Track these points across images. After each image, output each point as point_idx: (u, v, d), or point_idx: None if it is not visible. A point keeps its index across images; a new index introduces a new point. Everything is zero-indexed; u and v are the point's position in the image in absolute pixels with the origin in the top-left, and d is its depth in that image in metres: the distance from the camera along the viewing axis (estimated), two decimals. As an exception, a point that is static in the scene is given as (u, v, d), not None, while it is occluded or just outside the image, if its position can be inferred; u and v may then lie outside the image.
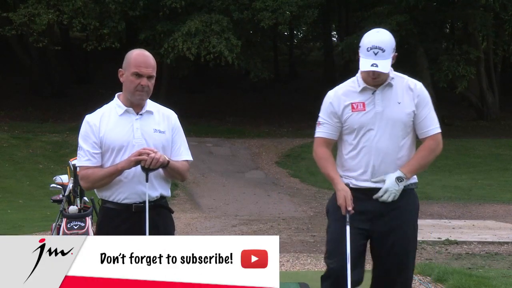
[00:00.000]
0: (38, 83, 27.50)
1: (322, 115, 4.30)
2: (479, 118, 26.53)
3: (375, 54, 4.06)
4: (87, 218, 6.88)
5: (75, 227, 6.45)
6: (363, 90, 4.20)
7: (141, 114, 4.01)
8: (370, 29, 4.26)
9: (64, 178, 7.44)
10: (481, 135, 23.69)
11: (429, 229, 10.53)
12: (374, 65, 4.06)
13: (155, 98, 4.16)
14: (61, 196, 7.20)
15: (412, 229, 4.26)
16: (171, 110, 4.16)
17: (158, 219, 3.97)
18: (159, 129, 4.01)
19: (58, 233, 6.35)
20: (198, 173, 17.70)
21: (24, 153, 18.70)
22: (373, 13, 23.41)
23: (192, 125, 23.59)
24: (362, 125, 4.17)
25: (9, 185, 15.93)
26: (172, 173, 4.02)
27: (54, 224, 6.85)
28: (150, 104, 4.07)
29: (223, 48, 21.07)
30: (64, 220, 6.58)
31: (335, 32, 37.01)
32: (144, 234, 3.85)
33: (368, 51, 4.08)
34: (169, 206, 4.14)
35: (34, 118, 23.73)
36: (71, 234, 6.03)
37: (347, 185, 4.20)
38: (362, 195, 4.16)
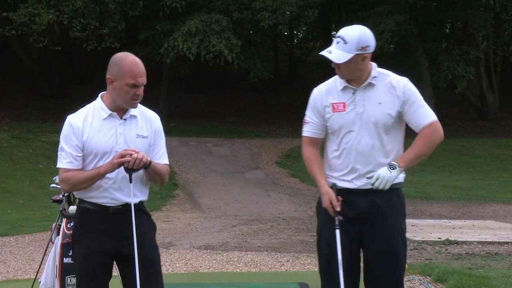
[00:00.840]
0: (38, 83, 27.53)
1: (308, 113, 4.22)
2: (479, 118, 26.55)
3: (337, 43, 4.01)
4: (87, 218, 6.85)
5: (75, 227, 6.45)
6: (344, 89, 4.11)
7: (124, 119, 3.97)
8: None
9: (64, 178, 7.41)
10: (481, 135, 23.71)
11: (429, 229, 10.50)
12: (328, 52, 4.01)
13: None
14: (61, 196, 7.19)
15: (398, 230, 4.15)
16: (154, 113, 4.12)
17: (136, 221, 3.93)
18: (142, 134, 3.98)
19: (58, 233, 6.34)
20: (198, 173, 17.71)
21: (24, 153, 18.70)
22: (373, 13, 23.39)
23: (192, 125, 23.62)
24: (342, 126, 4.07)
25: (9, 185, 15.93)
26: (153, 174, 3.99)
27: (54, 224, 6.84)
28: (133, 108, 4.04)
29: (223, 47, 21.06)
30: (64, 220, 6.57)
31: (335, 32, 36.98)
32: (122, 236, 3.91)
33: (334, 38, 4.06)
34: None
35: (34, 118, 23.73)
36: (71, 234, 6.03)
37: (334, 185, 4.09)
38: (345, 195, 4.07)
